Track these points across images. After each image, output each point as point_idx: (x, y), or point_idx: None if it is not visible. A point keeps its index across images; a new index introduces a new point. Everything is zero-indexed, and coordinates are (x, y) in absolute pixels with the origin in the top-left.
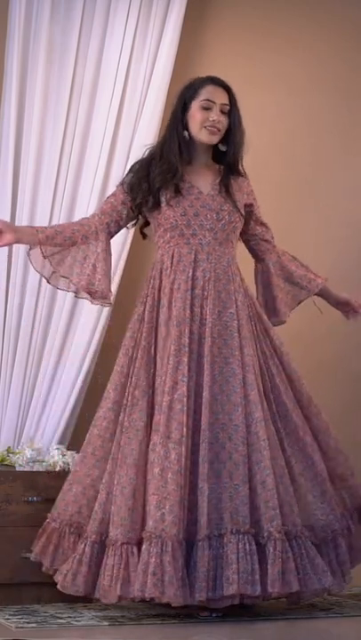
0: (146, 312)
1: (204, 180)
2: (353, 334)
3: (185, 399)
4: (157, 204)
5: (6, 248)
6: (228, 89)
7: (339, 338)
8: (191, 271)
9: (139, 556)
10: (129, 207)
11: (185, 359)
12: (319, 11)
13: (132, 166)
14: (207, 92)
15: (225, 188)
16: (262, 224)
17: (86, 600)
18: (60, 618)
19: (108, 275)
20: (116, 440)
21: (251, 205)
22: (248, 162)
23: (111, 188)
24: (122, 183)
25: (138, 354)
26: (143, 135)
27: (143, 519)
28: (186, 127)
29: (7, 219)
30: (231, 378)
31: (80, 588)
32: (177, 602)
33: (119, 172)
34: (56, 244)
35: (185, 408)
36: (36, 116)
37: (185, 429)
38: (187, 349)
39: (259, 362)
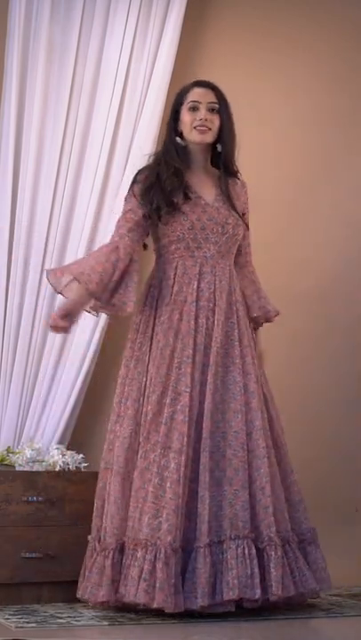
0: (142, 322)
1: (207, 188)
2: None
3: (187, 410)
4: (173, 208)
5: (6, 248)
6: (213, 88)
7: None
8: (196, 283)
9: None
10: (148, 216)
11: (188, 370)
12: (319, 11)
13: (137, 176)
14: (192, 94)
15: (227, 196)
16: (245, 236)
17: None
18: (60, 618)
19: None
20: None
21: (243, 215)
22: (247, 161)
23: (111, 188)
24: (132, 195)
25: (132, 364)
26: (143, 135)
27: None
28: (181, 135)
29: (7, 218)
30: (232, 385)
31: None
32: (168, 608)
33: (119, 171)
34: (106, 289)
35: (186, 419)
36: (35, 116)
37: (185, 439)
38: (190, 361)
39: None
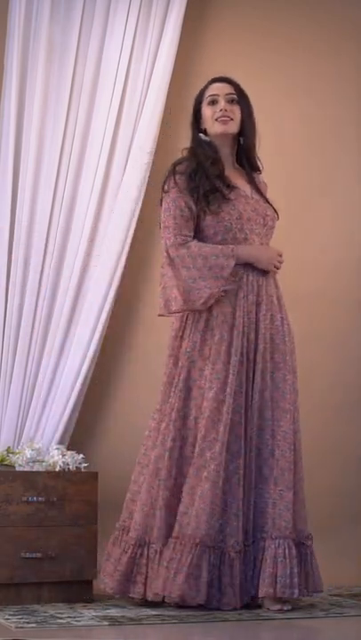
0: (189, 319)
1: (240, 181)
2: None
3: (242, 410)
4: (221, 195)
5: (6, 248)
6: (230, 82)
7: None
8: (245, 277)
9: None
10: (194, 206)
11: (243, 368)
12: (319, 11)
13: (176, 167)
14: (210, 89)
15: (257, 189)
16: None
17: (86, 600)
18: (60, 618)
19: None
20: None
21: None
22: None
23: (111, 188)
24: (176, 188)
25: (187, 361)
26: (143, 135)
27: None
28: (205, 132)
29: (7, 218)
30: (281, 384)
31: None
32: (234, 606)
33: (119, 171)
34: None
35: (243, 419)
36: (35, 116)
37: (242, 442)
38: (244, 358)
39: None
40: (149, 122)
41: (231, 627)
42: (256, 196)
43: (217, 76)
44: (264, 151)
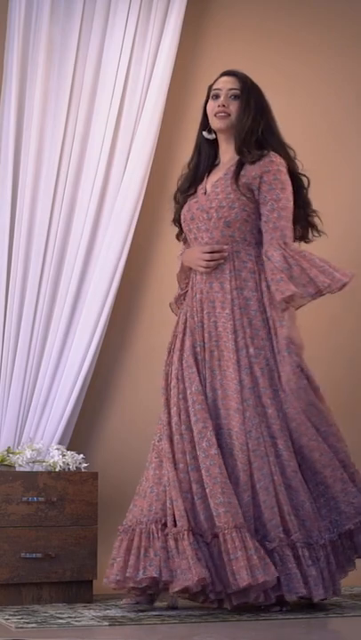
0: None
1: (215, 177)
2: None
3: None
4: (180, 206)
5: (6, 247)
6: (237, 75)
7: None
8: (193, 279)
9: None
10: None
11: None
12: (319, 11)
13: (178, 181)
14: (216, 83)
15: (232, 179)
16: (263, 214)
17: (86, 600)
18: (60, 618)
19: None
20: None
21: (258, 188)
22: None
23: (111, 189)
24: (175, 202)
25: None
26: (143, 135)
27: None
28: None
29: (7, 220)
30: (226, 382)
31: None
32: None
33: (119, 172)
34: None
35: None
36: (35, 116)
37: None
38: (191, 360)
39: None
40: (149, 122)
41: (231, 627)
42: (216, 189)
43: (229, 69)
44: None
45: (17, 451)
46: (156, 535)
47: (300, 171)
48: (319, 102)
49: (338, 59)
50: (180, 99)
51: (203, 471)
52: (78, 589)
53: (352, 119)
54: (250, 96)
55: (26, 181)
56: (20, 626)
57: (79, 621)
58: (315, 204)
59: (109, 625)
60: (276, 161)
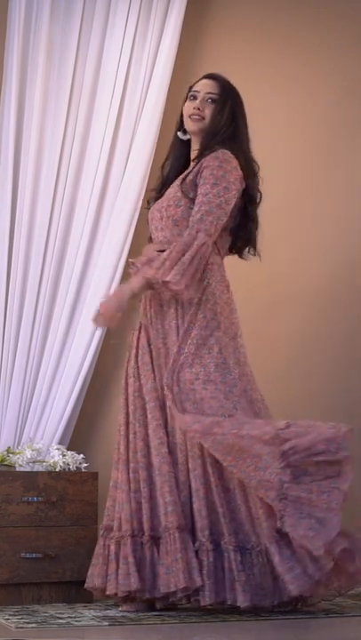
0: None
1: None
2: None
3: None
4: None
5: (6, 247)
6: (217, 79)
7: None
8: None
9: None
10: None
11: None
12: (319, 11)
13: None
14: (196, 85)
15: (182, 178)
16: (197, 206)
17: (86, 601)
18: (60, 618)
19: None
20: None
21: (198, 186)
22: None
23: (111, 189)
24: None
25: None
26: (143, 136)
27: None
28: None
29: (7, 220)
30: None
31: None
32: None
33: (119, 172)
34: None
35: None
36: (35, 116)
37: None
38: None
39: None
40: (149, 122)
41: (231, 627)
42: (171, 189)
43: (211, 72)
44: (262, 151)
45: (17, 451)
46: (101, 542)
47: (259, 186)
48: (319, 102)
49: (338, 59)
50: (180, 99)
51: (154, 469)
52: (78, 589)
53: (352, 119)
54: (226, 102)
55: (26, 181)
56: (20, 626)
57: (79, 621)
58: (315, 204)
59: (109, 625)
60: (220, 157)
